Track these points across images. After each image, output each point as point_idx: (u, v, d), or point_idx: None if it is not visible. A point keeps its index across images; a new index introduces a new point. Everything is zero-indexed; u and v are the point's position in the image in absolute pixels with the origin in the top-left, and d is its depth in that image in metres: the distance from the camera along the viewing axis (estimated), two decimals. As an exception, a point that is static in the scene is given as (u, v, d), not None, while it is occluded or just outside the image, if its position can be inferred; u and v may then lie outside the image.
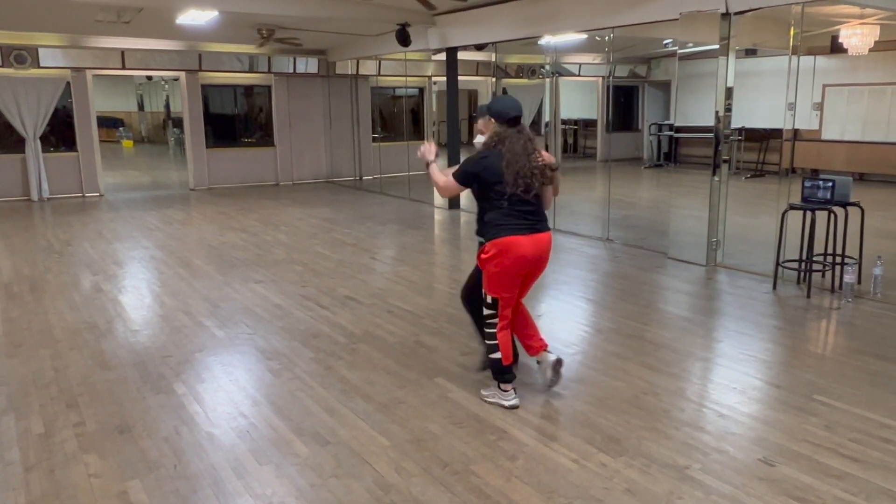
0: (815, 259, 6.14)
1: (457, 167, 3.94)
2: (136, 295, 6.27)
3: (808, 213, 6.05)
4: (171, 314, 5.63)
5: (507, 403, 3.87)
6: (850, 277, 5.80)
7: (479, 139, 3.92)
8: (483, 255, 3.81)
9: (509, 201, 3.74)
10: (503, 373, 3.90)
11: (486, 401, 3.94)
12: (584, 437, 3.52)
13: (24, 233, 9.14)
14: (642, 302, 5.94)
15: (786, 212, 6.08)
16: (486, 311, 3.89)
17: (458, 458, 3.33)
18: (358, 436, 3.56)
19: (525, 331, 4.12)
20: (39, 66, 11.62)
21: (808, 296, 5.96)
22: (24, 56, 11.42)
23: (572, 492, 3.04)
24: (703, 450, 3.38)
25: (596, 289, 6.48)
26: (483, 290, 3.88)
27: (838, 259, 6.09)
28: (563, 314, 5.69)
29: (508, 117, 3.81)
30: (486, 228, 3.81)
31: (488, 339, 3.93)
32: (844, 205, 5.96)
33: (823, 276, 6.31)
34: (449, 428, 3.63)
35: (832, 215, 5.93)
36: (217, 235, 8.93)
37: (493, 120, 3.85)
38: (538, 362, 4.13)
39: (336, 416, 3.77)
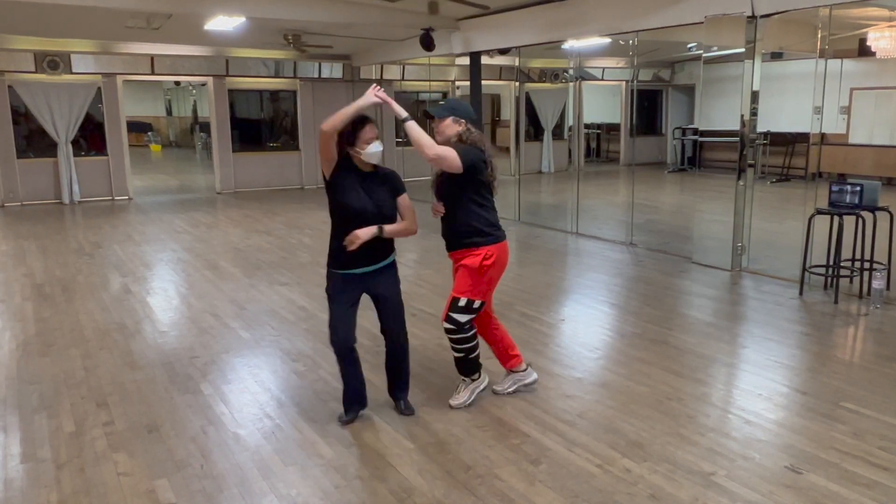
0: (842, 264, 6.06)
1: (449, 148, 3.62)
2: (164, 296, 6.37)
3: (836, 218, 5.97)
4: (198, 315, 5.71)
5: (482, 385, 3.99)
6: (878, 283, 5.71)
7: (376, 147, 3.48)
8: (486, 262, 3.70)
9: (491, 201, 3.77)
10: (477, 363, 3.95)
11: (496, 391, 4.04)
12: (608, 441, 3.52)
13: (55, 235, 9.33)
14: (666, 306, 5.91)
15: (813, 216, 6.01)
16: (465, 318, 3.74)
17: (481, 461, 3.34)
18: (382, 438, 3.59)
19: (505, 342, 4.08)
20: (72, 72, 11.88)
21: (836, 301, 5.89)
22: (57, 62, 11.67)
23: (596, 497, 3.04)
24: (729, 456, 3.35)
25: (619, 293, 6.46)
26: (466, 298, 3.71)
27: (866, 264, 6.00)
28: (587, 318, 5.67)
29: (474, 118, 3.78)
30: (485, 231, 3.72)
31: (469, 343, 3.82)
32: (873, 209, 5.87)
33: (851, 281, 6.23)
34: (472, 431, 3.65)
35: (860, 220, 5.85)
36: (243, 238, 9.03)
37: (461, 121, 3.70)
38: (512, 371, 4.10)
39: (360, 419, 3.80)
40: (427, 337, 5.13)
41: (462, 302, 3.72)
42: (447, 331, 3.79)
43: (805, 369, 4.52)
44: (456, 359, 3.91)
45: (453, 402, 3.92)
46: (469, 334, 3.79)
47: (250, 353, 4.86)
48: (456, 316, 3.73)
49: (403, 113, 3.57)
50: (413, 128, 3.55)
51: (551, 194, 14.06)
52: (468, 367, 3.93)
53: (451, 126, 3.68)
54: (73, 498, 3.06)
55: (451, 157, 3.54)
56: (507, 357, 4.08)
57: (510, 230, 9.64)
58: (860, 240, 5.91)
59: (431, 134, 3.70)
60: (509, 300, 6.08)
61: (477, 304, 3.75)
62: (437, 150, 3.53)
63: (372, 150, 3.45)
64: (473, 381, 3.97)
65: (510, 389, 4.07)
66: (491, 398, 4.04)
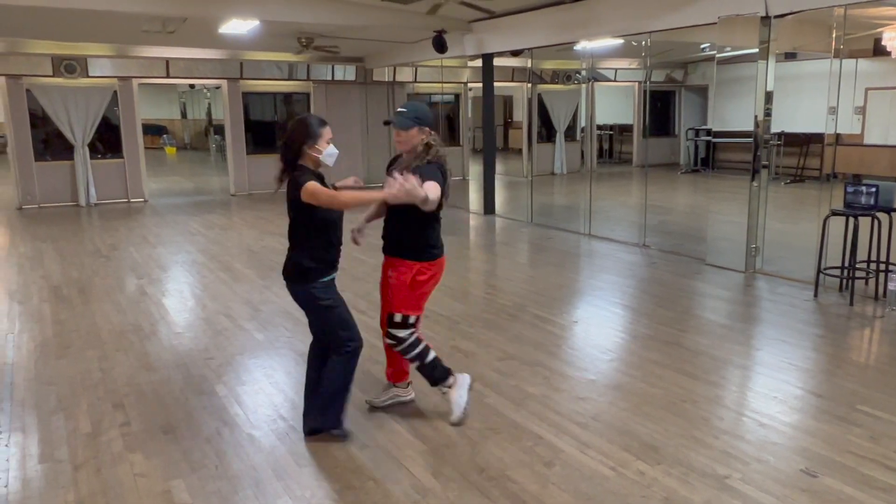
0: (858, 266, 6.02)
1: (431, 181, 3.45)
2: (179, 298, 6.42)
3: (851, 219, 5.93)
4: (213, 317, 5.75)
5: (466, 384, 3.81)
6: (894, 285, 5.66)
7: (335, 150, 3.42)
8: (421, 277, 3.63)
9: (438, 219, 3.65)
10: (443, 367, 3.77)
11: (457, 404, 3.76)
12: (622, 444, 3.51)
13: (72, 237, 9.42)
14: (679, 308, 5.88)
15: (828, 217, 5.97)
16: (404, 333, 3.65)
17: (494, 463, 3.35)
18: (395, 440, 3.60)
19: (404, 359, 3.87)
20: (88, 76, 12.01)
21: (851, 303, 5.84)
22: (74, 66, 11.80)
23: (610, 499, 3.03)
24: (744, 459, 3.34)
25: (632, 295, 6.44)
26: (401, 314, 3.63)
27: (882, 266, 5.95)
28: (600, 320, 5.67)
29: (433, 125, 3.64)
30: (424, 249, 3.62)
31: (416, 349, 3.70)
32: (888, 210, 5.83)
33: (867, 283, 6.18)
34: (485, 433, 3.65)
35: (876, 221, 5.80)
36: (257, 240, 9.09)
37: (426, 129, 3.55)
38: (395, 386, 3.99)
39: (374, 420, 3.82)
40: (441, 339, 5.14)
41: (398, 318, 3.64)
42: (391, 346, 3.72)
43: (820, 372, 4.49)
44: (418, 369, 3.76)
45: (452, 419, 3.74)
46: (411, 341, 3.68)
47: (265, 355, 4.90)
48: (395, 332, 3.66)
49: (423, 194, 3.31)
50: (420, 193, 3.27)
51: (564, 196, 14.04)
52: (434, 373, 3.77)
53: (416, 136, 3.54)
54: (90, 498, 3.10)
55: (437, 197, 3.43)
56: (400, 371, 3.96)
57: (522, 231, 9.71)
58: (876, 241, 5.86)
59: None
60: (522, 302, 6.08)
61: (412, 318, 3.67)
62: (433, 199, 3.38)
63: (332, 151, 3.40)
64: (451, 387, 3.79)
65: (387, 403, 3.95)
66: (503, 402, 4.05)
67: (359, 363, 3.63)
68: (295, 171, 3.36)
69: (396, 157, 3.76)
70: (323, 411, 3.57)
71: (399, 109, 3.59)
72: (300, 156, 3.37)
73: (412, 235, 3.62)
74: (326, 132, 3.40)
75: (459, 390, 3.79)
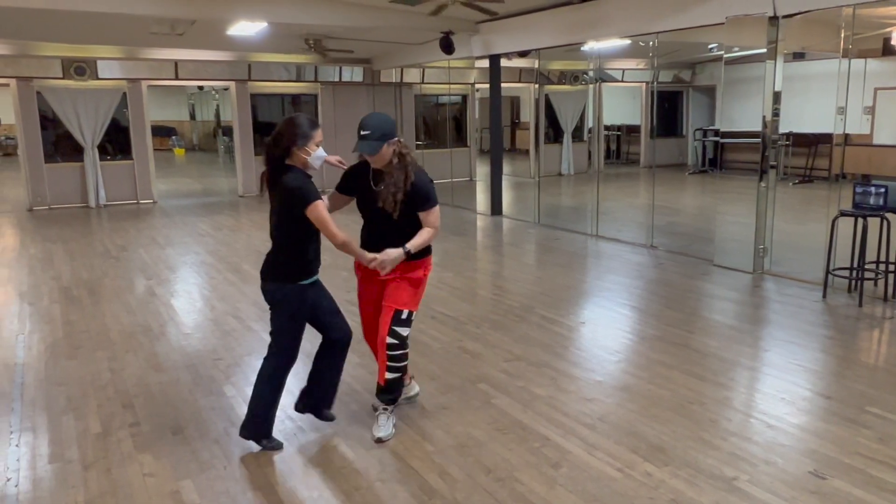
0: (867, 267, 5.99)
1: (432, 201, 3.59)
2: (188, 299, 6.45)
3: (860, 220, 5.90)
4: (221, 318, 5.78)
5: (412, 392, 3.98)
6: (905, 286, 5.64)
7: (324, 152, 3.40)
8: (424, 272, 3.67)
9: None
10: (402, 387, 3.77)
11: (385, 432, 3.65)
12: (629, 445, 3.51)
13: (82, 238, 9.48)
14: (687, 309, 5.87)
15: (836, 218, 5.95)
16: (406, 332, 3.59)
17: (501, 464, 3.35)
18: (403, 441, 3.61)
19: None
20: (98, 78, 12.07)
21: (860, 304, 5.82)
22: (84, 68, 11.88)
23: (617, 501, 3.03)
24: (752, 461, 3.33)
25: (640, 296, 6.43)
26: (408, 310, 3.59)
27: (891, 267, 5.93)
28: (607, 321, 5.66)
29: (395, 131, 3.60)
30: (427, 247, 3.64)
31: (406, 360, 3.65)
32: (898, 211, 5.80)
33: (876, 284, 6.15)
34: (493, 434, 3.66)
35: (885, 222, 5.78)
36: (265, 241, 9.07)
37: (393, 139, 3.48)
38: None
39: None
40: (447, 339, 5.15)
41: (404, 314, 3.57)
42: (390, 346, 3.55)
43: (829, 373, 4.47)
44: (388, 381, 3.60)
45: (381, 434, 3.61)
46: (407, 349, 3.63)
47: (272, 356, 4.91)
48: (399, 329, 3.56)
49: (404, 249, 3.45)
50: (417, 245, 3.49)
51: (571, 196, 14.03)
52: (398, 389, 3.69)
53: (386, 151, 3.46)
54: (100, 498, 3.12)
55: (437, 220, 3.62)
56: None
57: (529, 232, 9.71)
58: (885, 242, 5.83)
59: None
60: (529, 303, 6.09)
61: (414, 315, 3.64)
62: (437, 227, 3.60)
63: (320, 154, 3.37)
64: (392, 412, 3.73)
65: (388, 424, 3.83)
66: (510, 403, 4.05)
67: (364, 365, 3.63)
68: (284, 171, 3.32)
69: (365, 164, 3.62)
70: (251, 419, 3.52)
71: (362, 133, 3.40)
72: (288, 155, 3.32)
73: (403, 240, 3.52)
74: (318, 134, 3.36)
75: (393, 419, 3.73)
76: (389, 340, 3.56)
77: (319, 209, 3.28)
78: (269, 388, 3.52)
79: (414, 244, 3.48)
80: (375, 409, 3.77)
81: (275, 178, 3.35)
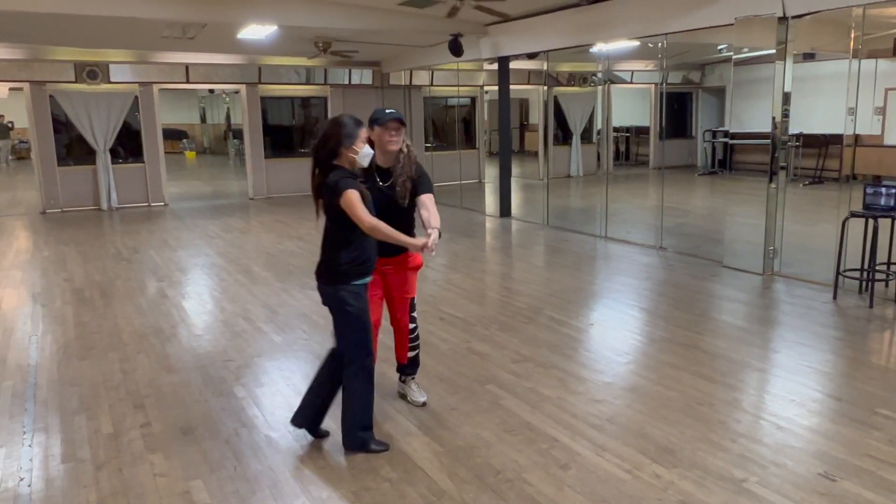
0: (877, 268, 5.95)
1: (431, 183, 3.80)
2: (199, 301, 6.50)
3: (871, 221, 5.87)
4: (232, 319, 5.82)
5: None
6: (916, 287, 5.60)
7: (371, 150, 3.48)
8: (420, 261, 3.96)
9: None
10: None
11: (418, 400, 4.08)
12: (637, 447, 3.51)
13: (94, 241, 9.56)
14: (696, 311, 5.86)
15: (847, 219, 5.92)
16: (415, 314, 4.04)
17: (510, 465, 3.36)
18: (411, 441, 3.62)
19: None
20: (110, 82, 12.18)
21: (871, 306, 5.79)
22: (96, 72, 11.98)
23: (625, 502, 3.04)
24: (761, 463, 3.33)
25: (649, 297, 6.42)
26: (413, 296, 3.99)
27: (904, 268, 5.89)
28: (616, 323, 5.66)
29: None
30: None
31: (419, 339, 4.11)
32: (910, 212, 5.77)
33: (887, 285, 6.12)
34: (501, 435, 3.67)
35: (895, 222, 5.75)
36: (275, 243, 9.17)
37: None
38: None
39: (390, 422, 3.85)
40: (456, 340, 5.17)
41: (414, 300, 4.02)
42: (412, 331, 4.02)
43: (839, 375, 4.45)
44: (412, 358, 4.09)
45: (423, 398, 4.07)
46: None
47: (282, 357, 4.94)
48: (413, 314, 4.02)
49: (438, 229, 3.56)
50: (439, 223, 3.63)
51: (580, 198, 14.02)
52: (419, 359, 4.17)
53: (399, 138, 3.71)
54: (111, 498, 3.15)
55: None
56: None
57: (538, 234, 9.71)
58: (896, 243, 5.81)
59: (370, 143, 3.65)
60: (538, 304, 6.09)
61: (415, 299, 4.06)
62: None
63: (367, 152, 3.41)
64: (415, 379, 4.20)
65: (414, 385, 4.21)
66: (518, 404, 4.06)
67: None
68: (331, 171, 3.36)
69: (370, 172, 3.68)
70: (349, 431, 3.53)
71: (390, 110, 3.73)
72: (336, 156, 3.36)
73: (409, 227, 3.78)
74: (363, 132, 3.42)
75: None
76: (411, 326, 4.01)
77: (350, 196, 3.29)
78: (364, 389, 3.51)
79: (438, 224, 3.57)
80: (405, 381, 4.16)
81: (323, 181, 3.40)
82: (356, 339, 3.48)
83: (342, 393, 3.54)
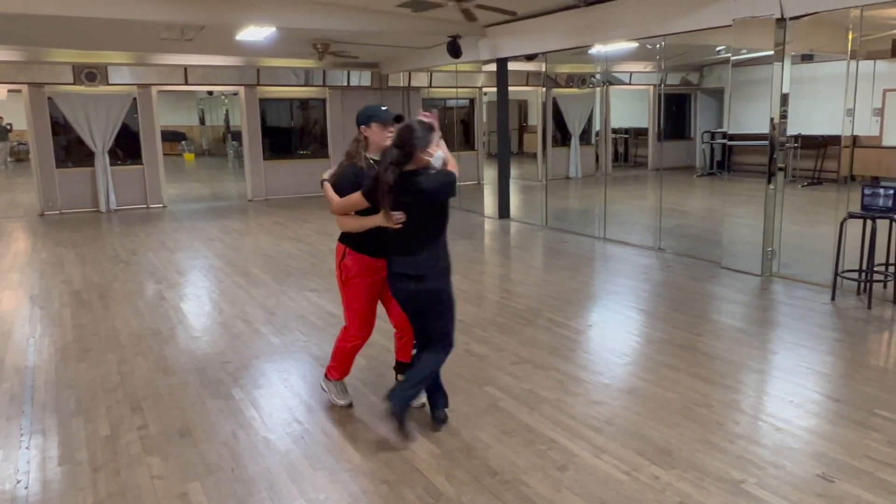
0: (875, 269, 5.96)
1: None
2: (197, 303, 6.49)
3: (869, 222, 5.88)
4: (230, 321, 5.81)
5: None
6: (914, 288, 5.60)
7: (439, 155, 3.57)
8: None
9: None
10: None
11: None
12: (636, 448, 3.51)
13: (93, 242, 9.55)
14: (695, 312, 5.86)
15: (845, 220, 5.93)
16: None
17: (507, 467, 3.36)
18: (409, 443, 3.62)
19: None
20: (108, 84, 12.18)
21: (869, 307, 5.79)
22: (95, 74, 11.98)
23: None
24: (759, 464, 3.32)
25: (647, 299, 6.42)
26: None
27: (902, 269, 5.90)
28: (614, 324, 5.65)
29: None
30: None
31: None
32: (907, 213, 5.77)
33: (885, 286, 6.12)
34: (499, 436, 3.66)
35: (894, 224, 5.75)
36: (273, 245, 9.16)
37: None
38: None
39: (388, 424, 3.83)
40: (456, 343, 5.15)
41: None
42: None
43: (837, 376, 4.45)
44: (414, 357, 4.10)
45: (422, 399, 4.00)
46: None
47: (280, 359, 4.94)
48: None
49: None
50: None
51: (579, 199, 14.02)
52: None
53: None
54: (108, 500, 3.14)
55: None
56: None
57: (537, 235, 9.71)
58: (894, 244, 5.80)
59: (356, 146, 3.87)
60: (536, 306, 6.09)
61: None
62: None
63: (440, 155, 3.54)
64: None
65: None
66: (517, 405, 4.05)
67: (371, 368, 3.64)
68: (409, 176, 3.46)
69: (369, 177, 3.69)
70: (401, 390, 3.66)
71: (384, 108, 3.96)
72: (411, 160, 3.47)
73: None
74: (434, 136, 3.54)
75: None
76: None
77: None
78: (439, 360, 3.73)
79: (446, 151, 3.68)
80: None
81: (403, 185, 3.45)
82: (448, 327, 3.74)
83: (422, 357, 3.73)
